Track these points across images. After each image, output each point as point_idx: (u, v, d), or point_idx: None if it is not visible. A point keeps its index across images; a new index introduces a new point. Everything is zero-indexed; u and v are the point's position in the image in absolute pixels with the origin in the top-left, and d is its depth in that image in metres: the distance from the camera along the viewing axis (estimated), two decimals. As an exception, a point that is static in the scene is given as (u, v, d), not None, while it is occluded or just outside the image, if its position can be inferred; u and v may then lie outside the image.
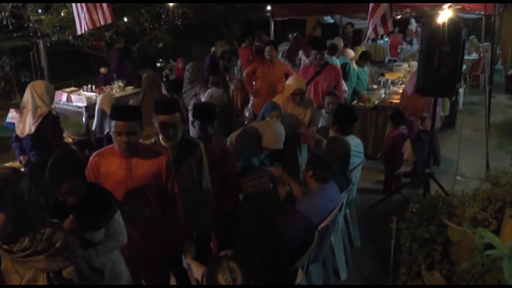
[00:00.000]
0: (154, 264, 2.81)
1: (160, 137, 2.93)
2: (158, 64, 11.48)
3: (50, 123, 4.04)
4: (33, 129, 4.06)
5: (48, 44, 10.02)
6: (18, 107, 8.70)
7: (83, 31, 5.70)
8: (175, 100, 3.02)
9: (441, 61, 3.98)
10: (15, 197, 1.67)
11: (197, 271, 2.32)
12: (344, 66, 6.50)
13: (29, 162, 4.19)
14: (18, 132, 4.24)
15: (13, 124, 8.04)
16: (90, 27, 5.50)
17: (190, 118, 3.50)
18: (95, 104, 6.94)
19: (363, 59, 7.06)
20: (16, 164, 4.35)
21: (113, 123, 2.52)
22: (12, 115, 8.25)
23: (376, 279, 3.78)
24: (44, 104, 4.05)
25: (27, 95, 4.12)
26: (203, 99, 5.22)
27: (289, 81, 4.62)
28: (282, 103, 4.45)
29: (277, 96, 4.79)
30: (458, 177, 5.17)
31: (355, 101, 6.47)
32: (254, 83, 6.07)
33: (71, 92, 7.29)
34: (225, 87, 6.44)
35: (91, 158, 2.64)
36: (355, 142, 4.10)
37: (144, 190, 2.64)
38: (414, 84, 4.84)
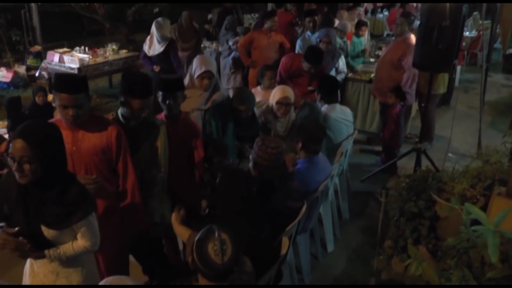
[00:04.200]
0: (110, 243, 2.56)
1: (120, 113, 2.67)
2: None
3: None
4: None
5: (39, 3, 9.75)
6: (9, 66, 8.61)
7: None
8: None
9: (440, 36, 3.92)
10: None
11: (182, 236, 2.31)
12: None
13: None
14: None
15: (4, 83, 8.03)
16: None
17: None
18: (87, 65, 6.87)
19: (359, 26, 6.73)
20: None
21: (57, 95, 2.26)
22: (2, 74, 8.18)
23: (363, 252, 3.83)
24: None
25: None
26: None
27: (278, 89, 3.87)
28: (263, 103, 3.94)
29: (258, 89, 4.39)
30: (450, 154, 5.18)
31: (350, 74, 6.41)
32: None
33: (64, 53, 7.15)
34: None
35: None
36: (342, 111, 4.09)
37: (92, 164, 2.44)
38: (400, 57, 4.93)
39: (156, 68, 5.73)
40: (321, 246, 3.77)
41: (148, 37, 5.78)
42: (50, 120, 2.36)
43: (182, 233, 2.31)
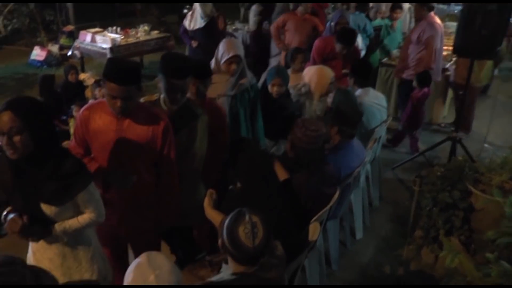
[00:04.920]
0: (143, 236, 2.56)
1: (162, 97, 2.56)
2: (185, 11, 11.22)
3: None
4: None
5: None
6: (43, 45, 8.75)
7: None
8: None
9: (484, 21, 3.75)
10: None
11: (215, 220, 2.29)
12: (379, 29, 6.20)
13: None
14: None
15: (38, 61, 8.18)
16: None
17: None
18: (119, 45, 6.91)
19: (394, 9, 6.42)
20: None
21: (107, 84, 2.15)
22: (37, 53, 8.34)
23: (392, 240, 3.75)
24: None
25: None
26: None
27: (318, 70, 3.89)
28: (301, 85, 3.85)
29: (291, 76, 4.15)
30: (486, 145, 5.01)
31: (385, 59, 6.23)
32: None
33: (96, 32, 7.21)
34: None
35: (80, 111, 2.34)
36: (376, 95, 4.01)
37: (135, 156, 2.33)
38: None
39: (194, 43, 5.90)
40: (350, 234, 3.71)
41: (189, 12, 6.00)
42: (92, 102, 2.34)
43: (214, 217, 2.28)
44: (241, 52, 3.26)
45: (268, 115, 3.47)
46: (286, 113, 3.49)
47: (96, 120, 2.28)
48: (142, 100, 2.58)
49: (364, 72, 4.02)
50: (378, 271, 3.44)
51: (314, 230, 2.37)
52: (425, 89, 4.96)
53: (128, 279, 1.60)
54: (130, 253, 2.76)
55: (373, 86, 5.35)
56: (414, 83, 5.03)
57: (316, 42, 4.86)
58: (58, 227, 1.99)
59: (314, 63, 4.62)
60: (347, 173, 2.96)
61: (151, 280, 1.53)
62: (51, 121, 1.95)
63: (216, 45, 3.32)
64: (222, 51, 3.21)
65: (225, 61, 3.18)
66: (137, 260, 1.65)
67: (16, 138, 1.76)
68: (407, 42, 5.43)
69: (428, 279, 3.26)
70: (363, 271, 3.43)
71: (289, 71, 4.33)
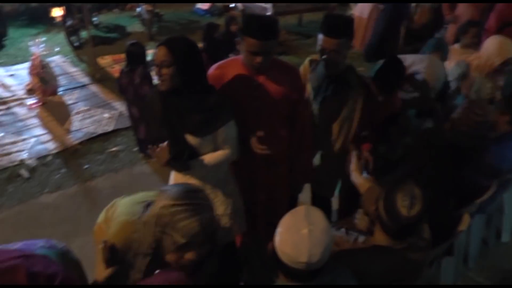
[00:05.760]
0: (276, 193, 2.56)
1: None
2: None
3: None
4: None
5: None
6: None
7: None
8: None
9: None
10: None
11: (361, 186, 2.22)
12: None
13: None
14: None
15: (202, 10, 8.70)
16: None
17: None
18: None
19: None
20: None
21: (245, 39, 2.09)
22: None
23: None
24: None
25: None
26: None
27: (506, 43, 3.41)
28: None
29: (454, 47, 3.83)
30: None
31: None
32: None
33: (259, -13, 7.32)
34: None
35: (211, 70, 2.31)
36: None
37: (271, 111, 2.30)
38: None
39: None
40: (495, 234, 3.35)
41: None
42: (221, 61, 2.33)
43: (361, 183, 2.22)
44: None
45: None
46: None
47: (229, 77, 2.26)
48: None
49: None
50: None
51: (464, 221, 2.17)
52: None
53: (282, 225, 1.57)
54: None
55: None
56: None
57: (500, 6, 4.38)
58: (198, 160, 2.12)
59: (487, 34, 4.13)
60: (508, 168, 2.62)
61: (304, 233, 1.48)
62: (200, 60, 2.07)
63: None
64: None
65: None
66: (296, 209, 1.63)
67: (165, 71, 1.95)
68: None
69: None
70: (504, 277, 3.09)
71: (457, 46, 3.96)
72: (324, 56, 2.33)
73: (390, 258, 1.75)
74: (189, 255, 1.51)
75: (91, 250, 1.79)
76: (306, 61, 2.60)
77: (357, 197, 2.26)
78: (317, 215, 1.55)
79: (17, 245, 1.61)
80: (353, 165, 2.32)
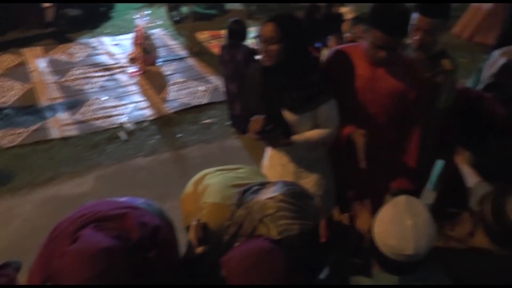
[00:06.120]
0: (373, 194, 2.28)
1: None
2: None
3: None
4: None
5: None
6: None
7: None
8: None
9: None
10: None
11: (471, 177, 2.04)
12: None
13: None
14: None
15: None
16: None
17: None
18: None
19: None
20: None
21: (372, 31, 1.95)
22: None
23: None
24: None
25: None
26: None
27: None
28: None
29: None
30: None
31: None
32: None
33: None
34: None
35: (331, 52, 2.22)
36: None
37: (384, 106, 2.14)
38: None
39: None
40: None
41: None
42: (344, 46, 2.22)
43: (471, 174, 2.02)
44: None
45: None
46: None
47: (347, 64, 2.13)
48: None
49: None
50: None
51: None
52: None
53: (383, 216, 1.49)
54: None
55: None
56: None
57: None
58: (294, 137, 2.08)
59: None
60: None
61: (409, 225, 1.39)
62: (306, 38, 2.09)
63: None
64: None
65: None
66: (396, 199, 1.53)
67: (273, 47, 1.94)
68: None
69: None
70: None
71: None
72: (416, 37, 2.17)
73: (492, 262, 1.60)
74: None
75: (180, 215, 1.84)
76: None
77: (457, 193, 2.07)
78: (419, 206, 1.47)
79: (122, 199, 1.67)
80: (461, 157, 2.11)
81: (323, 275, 1.72)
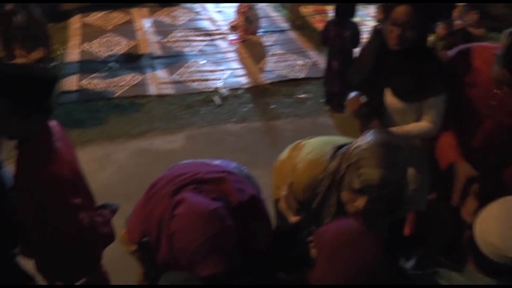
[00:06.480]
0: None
1: None
2: None
3: None
4: None
5: None
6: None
7: None
8: None
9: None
10: None
11: None
12: None
13: None
14: None
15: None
16: None
17: None
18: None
19: None
20: None
21: (502, 69, 1.69)
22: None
23: None
24: None
25: None
26: None
27: None
28: None
29: None
30: None
31: None
32: None
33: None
34: None
35: (453, 52, 2.02)
36: None
37: (499, 128, 1.92)
38: None
39: None
40: None
41: None
42: (475, 46, 1.98)
43: None
44: None
45: None
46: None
47: (475, 67, 1.89)
48: None
49: None
50: None
51: None
52: None
53: (489, 213, 1.33)
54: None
55: None
56: None
57: None
58: (392, 129, 1.95)
59: None
60: None
61: None
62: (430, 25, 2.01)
63: None
64: None
65: None
66: (505, 198, 1.36)
67: (408, 33, 1.81)
68: None
69: None
70: None
71: None
72: None
73: None
74: (358, 202, 1.41)
75: (267, 183, 1.87)
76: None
77: None
78: None
79: (216, 161, 1.69)
80: None
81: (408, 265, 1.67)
